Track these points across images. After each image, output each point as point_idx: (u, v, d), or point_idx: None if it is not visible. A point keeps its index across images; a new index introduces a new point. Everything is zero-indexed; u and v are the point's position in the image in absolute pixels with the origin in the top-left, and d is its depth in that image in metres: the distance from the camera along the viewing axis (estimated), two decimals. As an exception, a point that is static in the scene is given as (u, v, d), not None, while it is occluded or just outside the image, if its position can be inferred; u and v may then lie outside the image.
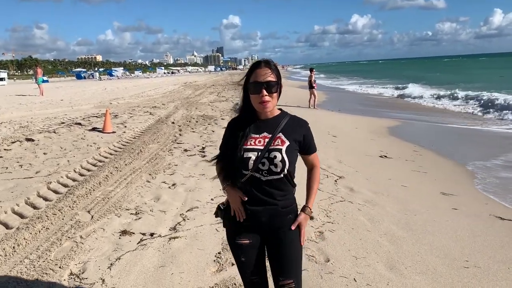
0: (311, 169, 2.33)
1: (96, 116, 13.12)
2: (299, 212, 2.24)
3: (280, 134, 2.11)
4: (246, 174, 2.09)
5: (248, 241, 2.17)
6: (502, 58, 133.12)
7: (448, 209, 5.41)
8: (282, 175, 2.08)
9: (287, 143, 2.10)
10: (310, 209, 2.25)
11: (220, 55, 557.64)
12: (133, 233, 4.34)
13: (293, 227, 2.17)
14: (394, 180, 6.72)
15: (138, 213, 4.90)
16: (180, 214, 4.91)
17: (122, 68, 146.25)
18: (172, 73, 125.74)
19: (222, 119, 12.99)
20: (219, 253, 3.95)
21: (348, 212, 5.14)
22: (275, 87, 2.09)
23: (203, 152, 8.18)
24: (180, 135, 10.08)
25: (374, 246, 4.21)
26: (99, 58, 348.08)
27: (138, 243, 4.12)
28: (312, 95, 17.70)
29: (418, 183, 6.64)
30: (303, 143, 2.19)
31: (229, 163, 2.17)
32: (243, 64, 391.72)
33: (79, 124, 11.32)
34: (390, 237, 4.45)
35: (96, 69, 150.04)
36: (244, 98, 2.19)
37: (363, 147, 9.38)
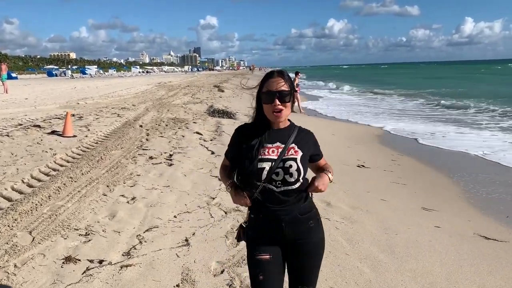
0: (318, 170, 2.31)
1: (59, 118, 12.28)
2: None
3: (293, 145, 2.13)
4: (259, 185, 2.06)
5: (268, 256, 2.13)
6: (473, 66, 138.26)
7: (430, 227, 5.05)
8: (296, 186, 2.08)
9: (301, 153, 2.12)
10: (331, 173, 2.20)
11: (197, 55, 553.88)
12: (79, 260, 3.75)
13: (308, 189, 2.14)
14: (373, 193, 6.35)
15: (88, 234, 4.30)
16: (137, 236, 4.34)
17: (96, 66, 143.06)
18: (147, 72, 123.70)
19: (194, 122, 12.40)
20: (177, 285, 3.42)
21: (325, 231, 4.67)
22: (288, 97, 2.10)
23: (170, 160, 7.60)
24: (147, 140, 9.43)
25: (353, 274, 3.77)
26: (73, 55, 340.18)
27: (83, 274, 3.53)
28: (296, 99, 17.45)
29: (398, 197, 6.29)
30: (313, 153, 2.24)
31: (240, 172, 2.14)
32: (220, 65, 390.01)
33: (38, 126, 10.51)
34: (370, 262, 4.02)
35: (69, 66, 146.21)
36: (257, 108, 2.20)
37: (340, 155, 8.99)
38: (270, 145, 2.12)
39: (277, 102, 2.06)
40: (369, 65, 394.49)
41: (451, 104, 21.93)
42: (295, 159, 2.08)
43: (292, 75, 18.35)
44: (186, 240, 4.30)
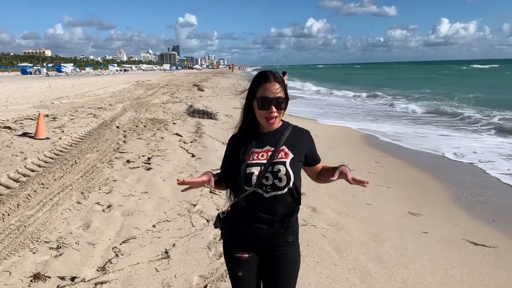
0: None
1: (31, 118, 11.75)
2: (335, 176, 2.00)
3: (283, 147, 2.05)
4: (248, 190, 2.01)
5: (247, 255, 2.09)
6: (444, 66, 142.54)
7: (418, 233, 4.94)
8: (286, 190, 2.02)
9: (291, 155, 2.04)
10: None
11: (176, 53, 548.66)
12: (49, 277, 3.45)
13: (335, 176, 1.99)
14: (358, 197, 6.20)
15: (60, 247, 4.00)
16: (113, 248, 4.06)
17: (72, 64, 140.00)
18: (125, 70, 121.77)
19: (174, 123, 12.07)
20: (156, 304, 3.18)
21: (312, 240, 4.52)
22: (284, 104, 2.03)
23: (149, 163, 7.30)
24: (124, 142, 9.06)
25: (343, 286, 3.62)
26: (48, 53, 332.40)
27: (52, 293, 3.25)
28: None
29: (383, 201, 6.16)
30: (308, 155, 2.13)
31: (232, 179, 2.05)
32: (199, 64, 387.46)
33: (8, 128, 10.01)
34: (360, 272, 3.87)
35: (44, 64, 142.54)
36: (246, 109, 2.09)
37: (323, 157, 8.76)
38: (259, 150, 2.05)
39: (274, 109, 1.99)
40: (345, 65, 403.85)
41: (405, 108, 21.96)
42: (284, 163, 2.01)
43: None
44: (166, 252, 4.05)
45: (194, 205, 5.33)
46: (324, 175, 2.19)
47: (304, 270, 3.86)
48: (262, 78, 2.04)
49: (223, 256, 3.94)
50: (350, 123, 15.42)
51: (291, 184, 2.02)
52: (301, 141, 2.12)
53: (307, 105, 22.88)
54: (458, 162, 9.02)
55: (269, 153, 2.03)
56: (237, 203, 2.07)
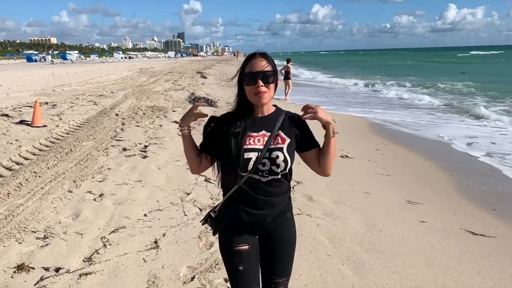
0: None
1: (30, 106, 11.64)
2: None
3: (280, 131, 2.02)
4: (244, 175, 1.95)
5: (247, 246, 2.05)
6: (448, 53, 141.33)
7: (416, 222, 4.82)
8: (280, 175, 2.00)
9: (288, 140, 2.01)
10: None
11: (181, 40, 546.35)
12: (33, 268, 3.38)
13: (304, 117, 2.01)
14: (356, 186, 6.09)
15: (47, 237, 3.93)
16: (101, 238, 3.99)
17: (78, 51, 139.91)
18: (130, 58, 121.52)
19: (174, 111, 11.96)
20: (141, 297, 3.10)
21: (306, 229, 4.42)
22: (272, 77, 1.98)
23: (145, 151, 7.20)
24: (122, 130, 8.97)
25: (335, 278, 3.51)
26: (54, 40, 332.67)
27: (35, 285, 3.17)
28: (288, 86, 17.56)
29: (382, 189, 6.04)
30: (303, 139, 2.07)
31: (225, 162, 2.01)
32: (204, 51, 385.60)
33: (6, 115, 9.95)
34: (353, 263, 3.77)
35: (50, 52, 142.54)
36: (239, 93, 2.06)
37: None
38: (255, 134, 2.01)
39: (260, 83, 1.94)
40: (348, 51, 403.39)
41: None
42: (281, 149, 1.98)
43: (283, 62, 18.25)
44: (155, 242, 3.97)
45: (188, 194, 5.24)
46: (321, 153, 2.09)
47: (296, 260, 3.70)
48: (249, 57, 2.03)
49: (213, 246, 3.89)
50: (355, 110, 15.24)
51: (287, 170, 2.02)
52: (296, 126, 2.07)
53: (311, 94, 22.62)
54: (464, 151, 8.83)
55: (265, 138, 1.99)
56: (232, 194, 2.02)
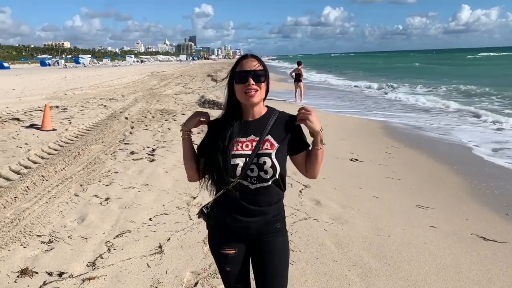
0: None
1: (41, 110, 11.78)
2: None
3: (269, 136, 1.96)
4: (233, 181, 1.92)
5: (233, 251, 2.04)
6: (458, 54, 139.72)
7: (425, 227, 4.71)
8: (271, 182, 1.94)
9: (276, 145, 1.95)
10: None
11: (192, 44, 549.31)
12: (36, 272, 3.38)
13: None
14: (365, 189, 6.00)
15: (52, 241, 3.93)
16: (106, 242, 3.97)
17: (90, 55, 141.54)
18: (142, 61, 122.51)
19: (183, 114, 11.98)
20: (143, 302, 3.07)
21: (312, 234, 4.35)
22: (263, 77, 1.95)
23: (153, 155, 7.20)
24: (130, 133, 9.01)
25: (341, 284, 3.44)
26: (67, 44, 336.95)
27: (38, 289, 3.17)
28: (299, 89, 17.59)
29: (392, 193, 5.93)
30: (291, 141, 2.00)
31: (213, 168, 1.97)
32: (216, 54, 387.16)
33: (17, 119, 10.06)
34: (360, 269, 3.69)
35: (63, 56, 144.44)
36: (229, 95, 2.01)
37: (332, 148, 8.60)
38: (243, 139, 1.97)
39: (251, 81, 1.90)
40: (359, 53, 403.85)
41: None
42: (269, 155, 1.93)
43: (293, 65, 18.33)
44: (160, 246, 3.94)
45: (194, 198, 5.21)
46: (308, 158, 2.05)
47: (302, 266, 3.71)
48: (240, 58, 2.00)
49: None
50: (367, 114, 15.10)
51: (277, 176, 1.95)
52: (286, 128, 2.01)
53: (325, 96, 22.50)
54: (480, 155, 8.64)
55: (254, 143, 1.94)
56: (221, 196, 1.99)
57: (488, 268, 3.81)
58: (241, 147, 1.95)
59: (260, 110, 2.01)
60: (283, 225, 2.10)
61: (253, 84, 1.91)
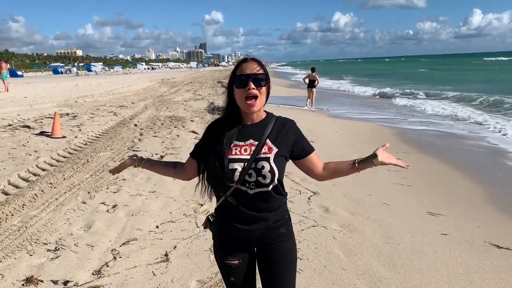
0: (320, 167, 2.07)
1: (51, 117, 11.90)
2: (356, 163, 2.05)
3: (267, 141, 1.92)
4: (231, 186, 1.89)
5: (237, 261, 2.00)
6: (469, 59, 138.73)
7: (436, 235, 4.61)
8: (271, 187, 1.90)
9: (275, 150, 1.91)
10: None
11: (203, 51, 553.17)
12: (41, 281, 3.36)
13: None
14: (375, 196, 5.90)
15: (58, 249, 3.91)
16: (112, 250, 3.95)
17: (102, 63, 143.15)
18: (153, 68, 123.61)
19: (192, 121, 11.99)
20: (147, 311, 3.03)
21: (321, 242, 4.28)
22: (264, 81, 1.90)
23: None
24: (139, 140, 9.03)
25: (349, 294, 3.36)
26: (79, 52, 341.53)
27: (42, 298, 3.15)
28: (312, 94, 17.51)
29: (402, 200, 5.83)
30: (294, 147, 1.98)
31: (210, 173, 1.94)
32: (226, 61, 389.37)
33: (27, 126, 10.16)
34: (369, 278, 3.61)
35: (75, 64, 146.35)
36: (228, 98, 1.99)
37: (342, 154, 8.48)
38: (242, 143, 1.93)
39: (252, 85, 1.86)
40: (366, 59, 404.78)
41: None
42: (267, 159, 1.88)
43: (307, 71, 18.33)
44: (166, 255, 3.90)
45: (202, 205, 5.17)
46: (339, 168, 2.08)
47: (309, 274, 3.64)
48: (240, 61, 1.98)
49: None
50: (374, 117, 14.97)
51: (275, 181, 1.90)
52: (285, 133, 1.98)
53: (341, 105, 22.42)
54: (493, 160, 8.49)
55: (253, 148, 1.91)
56: (221, 203, 1.97)
57: (501, 277, 3.70)
58: (240, 151, 1.91)
59: (259, 115, 1.99)
60: (288, 229, 2.05)
61: (253, 89, 1.87)
